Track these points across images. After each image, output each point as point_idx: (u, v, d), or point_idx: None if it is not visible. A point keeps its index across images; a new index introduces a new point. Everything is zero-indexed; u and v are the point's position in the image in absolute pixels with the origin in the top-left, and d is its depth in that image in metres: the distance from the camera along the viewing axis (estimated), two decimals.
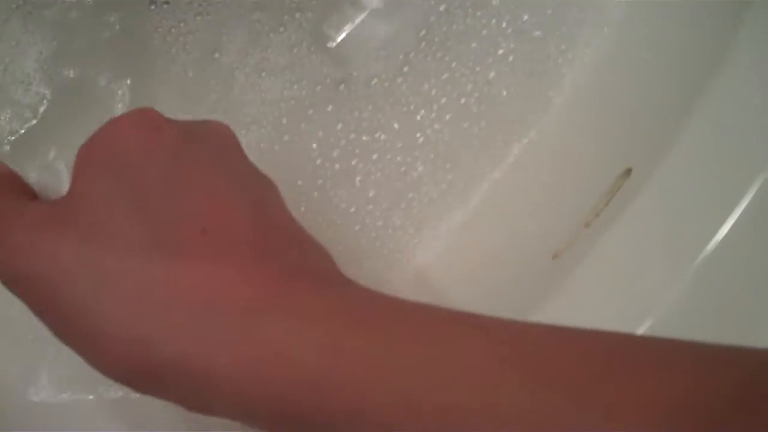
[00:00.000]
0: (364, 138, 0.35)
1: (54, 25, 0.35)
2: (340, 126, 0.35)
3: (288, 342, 0.20)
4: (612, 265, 0.25)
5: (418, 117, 0.35)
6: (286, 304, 0.20)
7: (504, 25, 0.35)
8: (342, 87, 0.35)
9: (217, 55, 0.35)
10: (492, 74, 0.35)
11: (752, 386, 0.17)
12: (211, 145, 0.25)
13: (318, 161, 0.34)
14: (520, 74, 0.34)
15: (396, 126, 0.35)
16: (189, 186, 0.23)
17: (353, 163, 0.34)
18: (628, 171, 0.26)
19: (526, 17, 0.35)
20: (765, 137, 0.25)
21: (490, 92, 0.35)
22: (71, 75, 0.35)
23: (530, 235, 0.30)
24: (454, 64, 0.35)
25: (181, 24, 0.35)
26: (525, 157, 0.33)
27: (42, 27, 0.35)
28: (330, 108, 0.35)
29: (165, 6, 0.35)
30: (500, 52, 0.35)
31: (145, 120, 0.24)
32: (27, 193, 0.25)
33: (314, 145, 0.34)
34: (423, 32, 0.35)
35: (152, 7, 0.35)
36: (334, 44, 0.35)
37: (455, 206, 0.34)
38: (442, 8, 0.35)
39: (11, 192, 0.25)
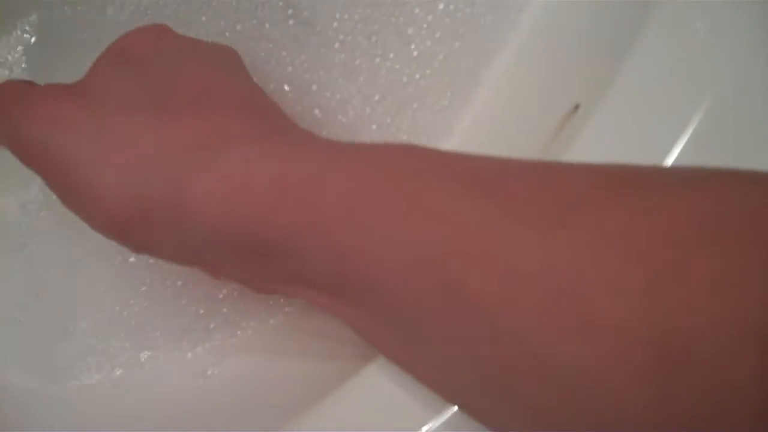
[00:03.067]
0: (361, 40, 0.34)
1: None
2: (335, 24, 0.34)
3: (249, 165, 0.22)
4: None
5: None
6: (251, 139, 0.23)
7: None
8: None
9: None
10: None
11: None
12: (214, 54, 0.28)
13: (322, 50, 0.35)
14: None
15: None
16: (187, 69, 0.26)
17: (357, 62, 0.35)
18: (576, 107, 0.26)
19: None
20: (707, 66, 0.25)
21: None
22: None
23: None
24: None
25: None
26: (485, 96, 0.33)
27: None
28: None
29: None
30: None
31: (155, 29, 0.28)
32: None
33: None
34: None
35: None
36: None
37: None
38: None
39: (22, 81, 0.28)
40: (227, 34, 0.34)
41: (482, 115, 0.34)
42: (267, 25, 0.35)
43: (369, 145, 0.24)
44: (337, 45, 0.35)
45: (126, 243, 0.25)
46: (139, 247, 0.25)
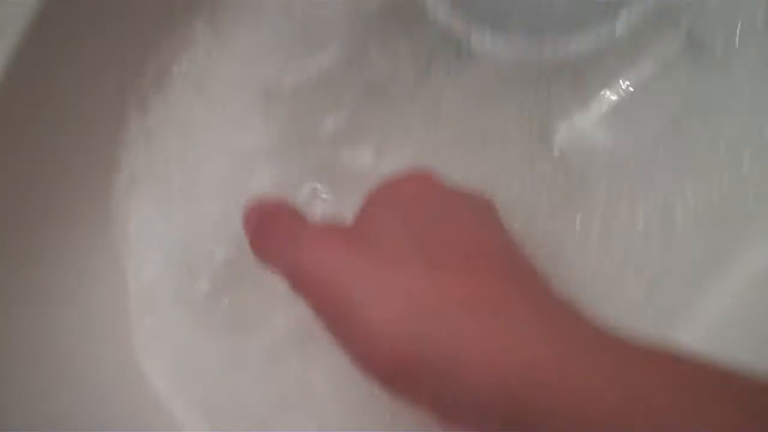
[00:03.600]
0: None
1: None
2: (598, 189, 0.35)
3: (525, 340, 0.23)
4: None
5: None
6: (527, 310, 0.24)
7: None
8: None
9: None
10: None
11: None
12: (476, 207, 0.30)
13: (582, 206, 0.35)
14: None
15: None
16: (454, 225, 0.27)
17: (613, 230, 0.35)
18: None
19: None
20: None
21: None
22: None
23: None
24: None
25: None
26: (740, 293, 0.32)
27: None
28: None
29: None
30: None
31: (423, 175, 0.30)
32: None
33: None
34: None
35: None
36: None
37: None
38: None
39: (293, 213, 0.30)
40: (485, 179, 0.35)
41: (736, 314, 0.32)
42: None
43: (637, 344, 0.24)
44: (601, 207, 0.34)
45: (389, 386, 0.25)
46: (399, 390, 0.25)
